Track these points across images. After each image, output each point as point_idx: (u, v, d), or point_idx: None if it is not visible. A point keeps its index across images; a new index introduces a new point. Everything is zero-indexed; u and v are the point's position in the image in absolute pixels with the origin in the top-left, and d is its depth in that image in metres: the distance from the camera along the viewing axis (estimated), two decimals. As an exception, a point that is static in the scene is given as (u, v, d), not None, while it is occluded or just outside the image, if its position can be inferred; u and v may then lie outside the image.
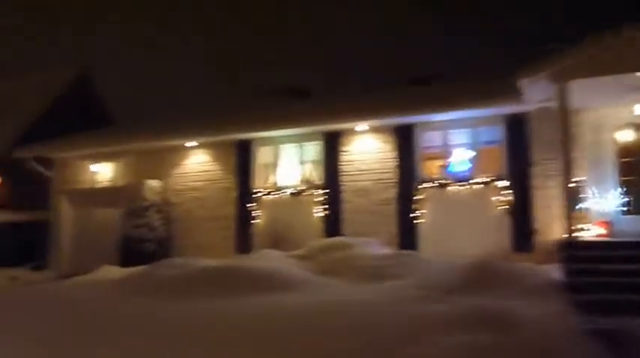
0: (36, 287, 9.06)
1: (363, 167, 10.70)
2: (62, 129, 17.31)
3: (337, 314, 5.54)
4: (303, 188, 11.17)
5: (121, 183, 13.00)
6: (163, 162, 12.51)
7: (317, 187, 11.00)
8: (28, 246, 13.63)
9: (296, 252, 8.68)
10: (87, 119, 20.26)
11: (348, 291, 6.57)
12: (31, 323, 5.96)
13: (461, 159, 10.31)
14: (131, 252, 11.19)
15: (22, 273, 12.74)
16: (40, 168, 13.72)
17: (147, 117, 21.51)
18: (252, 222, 11.45)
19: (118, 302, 6.77)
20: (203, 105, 17.95)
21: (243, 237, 11.42)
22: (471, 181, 10.04)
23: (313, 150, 11.34)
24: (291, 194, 11.25)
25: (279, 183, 11.51)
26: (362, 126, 10.60)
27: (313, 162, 11.34)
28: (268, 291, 6.84)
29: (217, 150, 12.04)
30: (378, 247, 8.73)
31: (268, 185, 11.59)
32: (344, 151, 10.89)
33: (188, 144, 12.13)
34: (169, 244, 11.80)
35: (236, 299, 6.57)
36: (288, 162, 11.56)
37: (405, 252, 8.74)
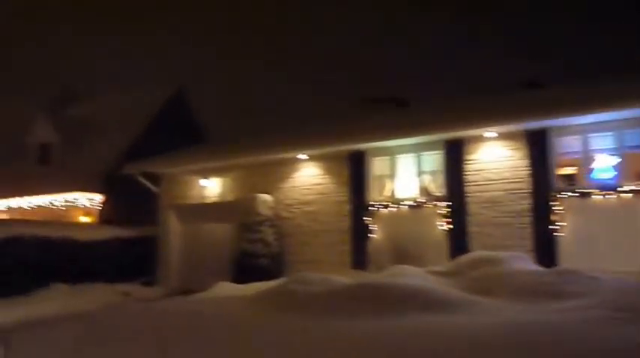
0: (162, 304, 8.89)
1: (492, 176, 9.93)
2: (161, 147, 17.64)
3: (526, 337, 4.85)
4: (423, 200, 10.54)
5: (229, 197, 12.88)
6: (272, 176, 12.28)
7: (438, 199, 10.35)
8: (137, 262, 13.75)
9: (437, 268, 8.04)
10: (183, 136, 20.69)
11: (520, 312, 5.85)
12: (187, 342, 5.67)
13: (605, 165, 9.36)
14: (246, 268, 10.94)
15: (134, 289, 12.83)
16: (149, 184, 13.87)
17: (243, 133, 21.66)
18: (368, 236, 10.93)
19: (262, 320, 6.37)
20: (299, 118, 17.70)
21: (360, 251, 10.91)
22: (617, 189, 9.07)
23: (433, 159, 10.71)
24: (410, 206, 10.65)
25: (396, 196, 10.95)
26: (490, 132, 9.87)
27: (433, 172, 10.70)
28: (421, 311, 6.23)
29: (328, 162, 11.66)
30: (528, 262, 7.94)
31: (384, 197, 11.05)
32: (469, 160, 10.19)
33: (298, 156, 11.82)
34: (282, 259, 11.49)
35: (391, 319, 6.02)
36: (406, 173, 10.99)
37: (563, 268, 7.90)
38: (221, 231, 12.60)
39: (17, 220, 12.68)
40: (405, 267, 8.12)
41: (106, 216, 17.16)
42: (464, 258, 8.10)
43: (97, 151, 19.24)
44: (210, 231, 12.94)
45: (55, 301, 11.02)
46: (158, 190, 13.91)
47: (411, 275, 7.81)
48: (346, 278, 8.22)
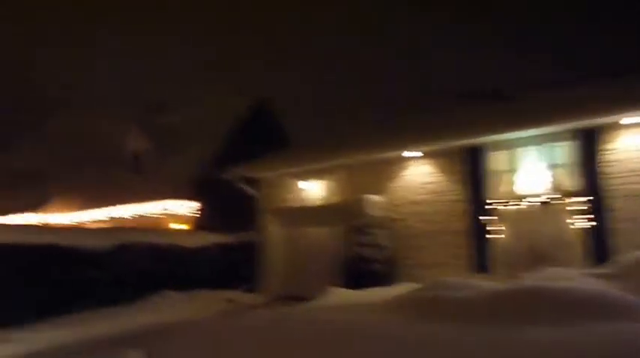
0: (282, 313, 8.50)
1: (636, 167, 8.89)
2: (249, 152, 17.53)
3: None
4: (553, 196, 9.61)
5: (331, 200, 12.43)
6: (379, 176, 11.71)
7: (572, 194, 9.39)
8: (237, 268, 13.57)
9: (598, 270, 7.18)
10: (269, 141, 20.57)
11: None
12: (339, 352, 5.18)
13: None
14: (358, 273, 10.41)
15: (237, 295, 12.61)
16: (248, 189, 13.67)
17: (327, 136, 21.21)
18: (487, 237, 10.12)
19: (414, 330, 5.77)
20: (389, 115, 17.05)
21: (480, 254, 10.11)
22: None
23: (561, 151, 9.76)
24: (535, 203, 9.75)
25: (520, 192, 10.07)
26: (631, 118, 8.83)
27: (562, 165, 9.75)
28: (598, 318, 5.44)
29: (440, 158, 10.94)
30: None
31: (505, 194, 10.20)
32: (606, 150, 9.17)
33: (407, 154, 11.18)
34: (395, 263, 10.87)
35: (566, 327, 5.27)
36: (528, 167, 10.09)
37: None
38: (324, 235, 12.16)
39: (128, 228, 12.77)
40: (555, 269, 7.32)
41: (200, 223, 17.21)
42: (628, 258, 7.17)
43: (188, 159, 19.44)
44: (311, 235, 12.53)
45: (167, 308, 10.95)
46: (257, 194, 13.68)
47: (561, 278, 7.00)
48: (493, 282, 7.49)
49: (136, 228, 13.01)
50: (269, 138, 21.12)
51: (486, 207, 10.20)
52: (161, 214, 17.75)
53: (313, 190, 12.87)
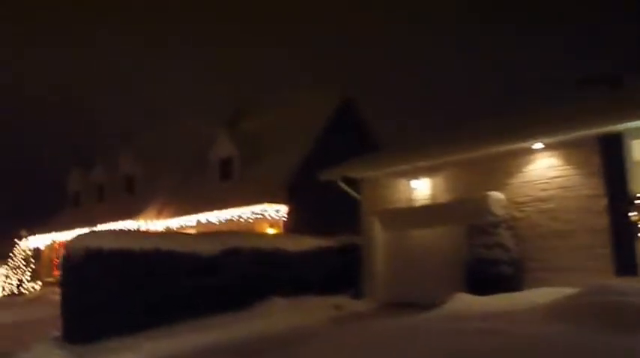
0: (410, 321, 7.74)
1: None
2: (337, 154, 16.96)
3: None
4: None
5: (442, 199, 11.58)
6: (494, 172, 10.76)
7: None
8: (340, 273, 12.95)
9: None
10: (356, 141, 19.97)
11: None
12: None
13: None
14: (483, 277, 9.50)
15: (343, 302, 11.99)
16: (349, 190, 13.06)
17: (415, 135, 20.38)
18: (636, 235, 8.93)
19: (619, 342, 4.85)
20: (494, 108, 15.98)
21: (629, 255, 8.94)
22: None
23: None
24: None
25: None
26: None
27: None
28: None
29: (567, 149, 9.87)
30: None
31: (654, 187, 9.00)
32: None
33: (529, 146, 10.17)
34: (522, 266, 9.88)
35: None
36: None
37: None
38: (437, 236, 11.31)
39: (231, 232, 12.47)
40: None
41: (294, 227, 16.77)
42: None
43: (276, 162, 19.12)
44: (422, 236, 11.70)
45: (275, 315, 10.48)
46: (359, 196, 13.04)
47: None
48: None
49: (239, 233, 12.65)
50: (356, 137, 20.56)
51: (632, 202, 9.01)
52: (251, 219, 17.48)
53: (421, 189, 12.07)
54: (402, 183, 12.39)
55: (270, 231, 17.62)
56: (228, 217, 18.41)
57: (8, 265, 22.57)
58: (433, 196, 11.82)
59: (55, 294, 18.03)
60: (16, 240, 22.89)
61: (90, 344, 8.46)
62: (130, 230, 16.47)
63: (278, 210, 17.35)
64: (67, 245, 9.36)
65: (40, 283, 23.15)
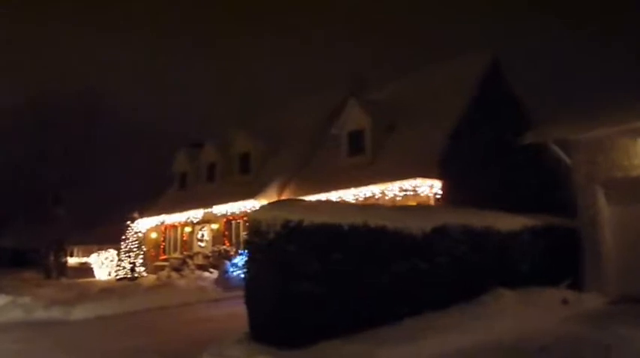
0: None
1: None
2: (486, 124, 14.48)
3: None
4: None
5: None
6: None
7: None
8: (553, 258, 10.29)
9: None
10: (504, 111, 17.27)
11: None
12: None
13: None
14: None
15: (570, 295, 9.37)
16: (561, 155, 10.38)
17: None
18: None
19: None
20: None
21: None
22: None
23: None
24: None
25: None
26: None
27: None
28: None
29: None
30: None
31: None
32: None
33: None
34: None
35: None
36: None
37: None
38: None
39: (437, 206, 10.14)
40: None
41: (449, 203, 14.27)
42: None
43: (418, 134, 16.63)
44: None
45: (506, 312, 8.04)
46: (574, 162, 10.33)
47: None
48: None
49: (447, 207, 10.26)
50: (503, 106, 17.78)
51: None
52: (401, 196, 15.11)
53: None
54: (638, 143, 9.56)
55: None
56: (368, 194, 16.15)
57: (121, 248, 21.45)
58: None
59: (181, 279, 16.59)
60: (128, 222, 21.73)
61: (297, 349, 6.37)
62: (318, 201, 13.99)
63: (432, 186, 14.88)
64: (254, 217, 7.29)
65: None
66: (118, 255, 26.48)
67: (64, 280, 23.18)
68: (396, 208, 9.92)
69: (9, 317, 12.59)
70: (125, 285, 15.69)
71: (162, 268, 21.69)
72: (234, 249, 19.64)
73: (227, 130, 25.13)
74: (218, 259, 19.97)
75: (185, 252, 23.31)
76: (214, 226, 21.69)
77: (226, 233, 21.12)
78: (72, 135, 27.52)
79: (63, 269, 24.53)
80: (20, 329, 11.24)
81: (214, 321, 10.94)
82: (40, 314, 12.87)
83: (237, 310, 7.61)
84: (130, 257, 21.08)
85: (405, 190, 15.12)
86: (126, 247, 21.26)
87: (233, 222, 20.97)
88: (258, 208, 7.66)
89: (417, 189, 14.79)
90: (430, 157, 15.26)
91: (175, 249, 24.59)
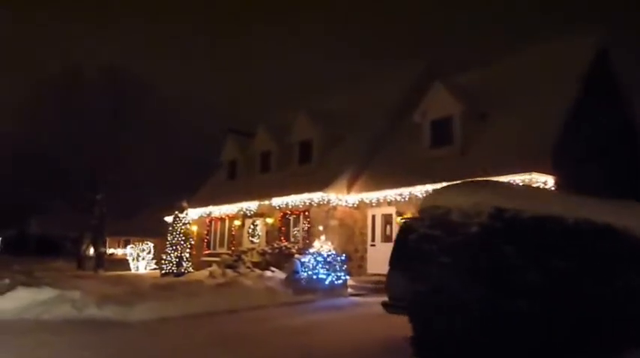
0: None
1: None
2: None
3: None
4: None
5: None
6: None
7: None
8: None
9: None
10: (607, 95, 15.10)
11: None
12: None
13: None
14: None
15: None
16: None
17: None
18: None
19: None
20: None
21: None
22: None
23: None
24: None
25: None
26: None
27: None
28: None
29: None
30: None
31: None
32: None
33: None
34: None
35: None
36: None
37: None
38: None
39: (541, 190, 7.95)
40: None
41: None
42: None
43: (525, 123, 14.43)
44: None
45: None
46: None
47: None
48: None
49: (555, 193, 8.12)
50: (612, 89, 15.63)
51: None
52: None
53: None
54: None
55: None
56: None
57: (168, 240, 19.54)
58: None
59: (249, 279, 14.55)
60: (176, 212, 19.79)
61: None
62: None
63: (545, 182, 12.70)
64: (433, 203, 5.23)
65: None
66: (155, 247, 24.69)
67: (101, 272, 21.39)
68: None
69: (57, 314, 10.72)
70: (183, 282, 13.74)
71: (209, 264, 19.75)
72: (295, 247, 17.64)
73: (283, 115, 23.16)
74: (276, 257, 18.00)
75: (233, 248, 21.40)
76: (269, 220, 19.68)
77: (282, 228, 19.11)
78: (100, 112, 25.76)
79: (101, 260, 22.71)
80: (73, 330, 9.39)
81: (308, 333, 8.92)
82: (93, 312, 10.97)
83: (321, 318, 5.68)
84: (176, 250, 19.12)
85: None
86: (173, 239, 19.31)
87: (291, 216, 18.97)
88: (431, 192, 5.59)
89: (531, 183, 12.60)
90: (542, 149, 13.08)
91: (221, 244, 22.65)
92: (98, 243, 23.25)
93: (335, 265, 13.98)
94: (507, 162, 13.20)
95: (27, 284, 12.35)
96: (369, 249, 17.20)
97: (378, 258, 16.78)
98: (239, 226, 21.49)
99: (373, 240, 17.20)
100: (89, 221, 23.35)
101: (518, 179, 12.74)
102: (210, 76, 69.97)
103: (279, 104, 29.83)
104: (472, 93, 16.27)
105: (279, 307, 12.44)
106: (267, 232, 19.97)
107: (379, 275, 15.97)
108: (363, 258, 17.24)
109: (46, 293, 11.73)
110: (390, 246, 16.42)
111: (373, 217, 17.24)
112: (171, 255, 19.18)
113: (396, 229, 16.28)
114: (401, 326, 5.80)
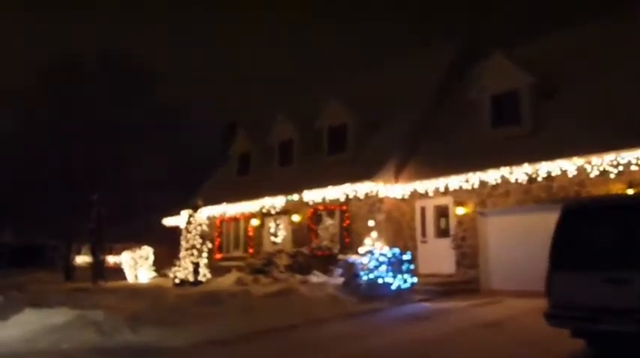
0: None
1: None
2: None
3: None
4: None
5: None
6: None
7: None
8: None
9: None
10: None
11: None
12: None
13: None
14: None
15: None
16: None
17: None
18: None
19: None
20: None
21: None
22: None
23: None
24: None
25: None
26: None
27: None
28: None
29: None
30: None
31: None
32: None
33: None
34: None
35: None
36: None
37: None
38: None
39: None
40: None
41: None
42: None
43: (609, 96, 12.47)
44: None
45: None
46: None
47: None
48: None
49: None
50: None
51: None
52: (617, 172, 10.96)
53: None
54: None
55: (629, 191, 11.05)
56: (551, 172, 11.99)
57: (183, 244, 17.05)
58: None
59: (307, 286, 12.10)
60: (191, 211, 17.31)
61: None
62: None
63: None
64: None
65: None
66: (155, 253, 22.13)
67: (102, 283, 18.75)
68: None
69: (78, 341, 8.25)
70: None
71: (227, 269, 17.40)
72: (337, 247, 15.42)
73: (304, 102, 20.87)
74: (309, 259, 15.79)
75: (251, 250, 19.06)
76: (295, 218, 17.39)
77: (313, 226, 16.85)
78: (97, 102, 23.48)
79: (101, 270, 20.05)
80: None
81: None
82: (127, 337, 8.59)
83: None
84: (192, 255, 16.65)
85: (617, 165, 10.98)
86: (187, 243, 16.84)
87: (323, 212, 16.74)
88: None
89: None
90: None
91: (236, 247, 20.27)
92: (97, 250, 20.53)
93: (401, 266, 11.82)
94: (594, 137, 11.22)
95: (34, 304, 9.92)
96: (420, 245, 15.06)
97: (432, 256, 14.74)
98: (257, 226, 19.15)
99: (424, 235, 15.06)
100: (85, 225, 20.64)
101: (620, 158, 10.77)
102: (212, 63, 67.17)
103: (294, 91, 27.46)
104: (539, 66, 14.23)
105: (346, 319, 10.25)
106: (292, 231, 17.69)
107: (435, 275, 13.94)
108: (413, 257, 15.08)
109: (61, 316, 9.24)
110: (445, 241, 14.45)
111: (422, 209, 15.11)
112: (187, 260, 16.70)
113: (453, 223, 14.22)
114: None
